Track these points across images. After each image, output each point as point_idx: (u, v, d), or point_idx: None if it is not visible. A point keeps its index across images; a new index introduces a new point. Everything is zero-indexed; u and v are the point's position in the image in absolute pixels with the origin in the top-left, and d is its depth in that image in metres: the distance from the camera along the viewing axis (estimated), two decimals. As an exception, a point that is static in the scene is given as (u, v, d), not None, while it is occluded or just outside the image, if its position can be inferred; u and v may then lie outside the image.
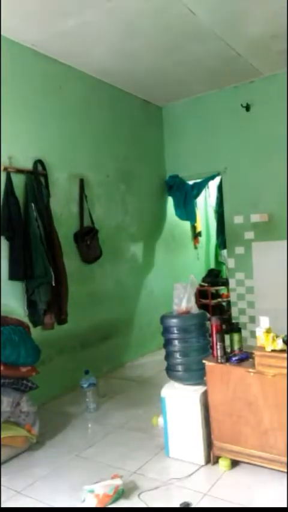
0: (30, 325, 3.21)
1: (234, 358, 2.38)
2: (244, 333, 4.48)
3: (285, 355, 2.19)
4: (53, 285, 3.43)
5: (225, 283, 5.61)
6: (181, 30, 3.48)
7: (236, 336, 2.50)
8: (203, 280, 6.07)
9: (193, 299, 2.66)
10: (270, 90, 4.49)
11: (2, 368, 2.63)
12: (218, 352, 2.38)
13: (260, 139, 4.59)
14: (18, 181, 3.40)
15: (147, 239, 5.03)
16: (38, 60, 3.68)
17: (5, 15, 3.08)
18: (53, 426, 3.09)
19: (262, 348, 2.28)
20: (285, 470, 2.21)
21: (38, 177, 3.54)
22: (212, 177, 5.11)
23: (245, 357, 2.39)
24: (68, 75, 3.98)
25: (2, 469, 2.55)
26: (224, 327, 2.52)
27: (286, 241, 4.39)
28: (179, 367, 2.62)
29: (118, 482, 2.20)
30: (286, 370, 2.17)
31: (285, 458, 2.20)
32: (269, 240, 4.59)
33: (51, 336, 3.57)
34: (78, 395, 3.45)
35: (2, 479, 2.45)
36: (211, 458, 2.45)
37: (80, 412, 3.33)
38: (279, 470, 2.25)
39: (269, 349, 2.24)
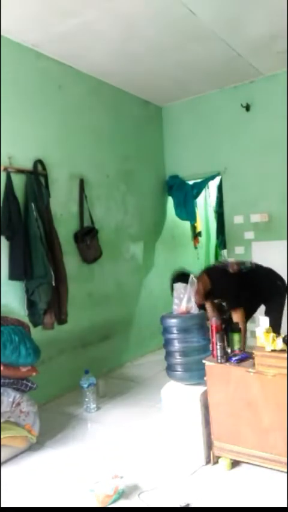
0: (30, 325, 3.20)
1: (234, 358, 2.38)
2: (244, 333, 4.47)
3: (285, 355, 2.19)
4: (53, 285, 3.43)
5: (225, 283, 5.59)
6: (181, 31, 3.48)
7: (236, 336, 2.50)
8: (203, 280, 6.05)
9: (193, 299, 2.66)
10: (270, 90, 4.49)
11: (2, 368, 2.63)
12: (218, 352, 2.38)
13: (260, 139, 4.59)
14: (18, 181, 3.40)
15: (147, 239, 5.03)
16: (38, 60, 3.68)
17: (5, 16, 3.08)
18: (53, 426, 3.09)
19: (262, 348, 2.28)
20: (285, 470, 2.21)
21: (38, 177, 3.54)
22: (212, 177, 5.11)
23: (245, 357, 2.39)
24: (68, 75, 3.98)
25: (2, 469, 2.55)
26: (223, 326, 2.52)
27: (286, 241, 4.39)
28: (179, 367, 2.62)
29: (118, 482, 2.20)
30: (286, 370, 2.17)
31: (285, 458, 2.20)
32: (269, 240, 4.59)
33: (51, 336, 3.57)
34: (78, 395, 3.45)
35: (2, 479, 2.45)
36: (211, 458, 2.45)
37: (80, 412, 3.33)
38: (279, 470, 2.25)
39: (268, 349, 2.24)
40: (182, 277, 3.07)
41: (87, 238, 4.01)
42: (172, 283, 3.03)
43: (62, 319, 3.60)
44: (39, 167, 3.59)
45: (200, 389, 2.51)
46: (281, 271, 4.39)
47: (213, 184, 5.82)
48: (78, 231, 3.99)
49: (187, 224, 5.77)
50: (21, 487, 2.38)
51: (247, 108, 4.63)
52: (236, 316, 3.06)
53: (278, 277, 3.44)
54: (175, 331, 2.61)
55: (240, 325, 2.94)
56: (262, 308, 3.43)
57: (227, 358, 2.40)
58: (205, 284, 3.12)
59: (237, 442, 2.35)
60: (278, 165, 4.43)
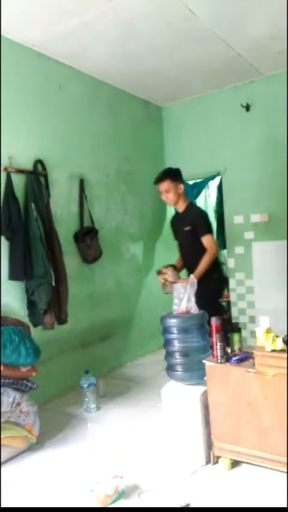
0: (30, 325, 3.21)
1: (234, 358, 2.37)
2: (244, 333, 4.48)
3: (285, 355, 2.19)
4: (53, 285, 3.43)
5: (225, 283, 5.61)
6: (181, 31, 3.48)
7: (236, 336, 2.49)
8: (203, 280, 6.05)
9: (193, 299, 2.66)
10: (270, 90, 4.49)
11: (2, 368, 2.63)
12: (218, 352, 2.38)
13: (260, 139, 4.59)
14: (18, 181, 3.40)
15: (147, 239, 5.03)
16: (38, 60, 3.68)
17: (5, 16, 3.08)
18: (53, 426, 3.09)
19: (262, 348, 2.28)
20: (285, 470, 2.21)
21: (38, 177, 3.54)
22: (212, 177, 5.11)
23: (245, 357, 2.39)
24: (68, 75, 3.98)
25: (2, 469, 2.55)
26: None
27: (286, 241, 4.39)
28: (179, 367, 2.62)
29: (118, 482, 2.20)
30: (286, 370, 2.17)
31: (285, 458, 2.20)
32: (269, 240, 4.59)
33: (51, 336, 3.57)
34: (78, 395, 3.45)
35: (2, 479, 2.45)
36: (211, 458, 2.45)
37: (80, 412, 3.33)
38: (279, 470, 2.25)
39: (268, 349, 2.24)
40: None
41: (87, 238, 4.01)
42: None
43: (62, 319, 3.60)
44: (39, 167, 3.59)
45: (200, 389, 2.51)
46: (281, 271, 4.42)
47: (213, 184, 5.82)
48: (78, 231, 3.99)
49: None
50: (21, 487, 2.38)
51: (247, 108, 4.62)
52: (207, 241, 3.29)
53: (219, 270, 3.56)
54: (175, 331, 2.61)
55: (210, 250, 3.28)
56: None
57: (227, 358, 2.40)
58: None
59: (237, 442, 2.35)
60: (278, 165, 4.44)
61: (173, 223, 3.68)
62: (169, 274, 3.34)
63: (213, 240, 3.35)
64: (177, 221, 3.56)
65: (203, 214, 3.49)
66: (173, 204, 3.49)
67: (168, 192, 3.37)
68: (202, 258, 3.28)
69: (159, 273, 3.40)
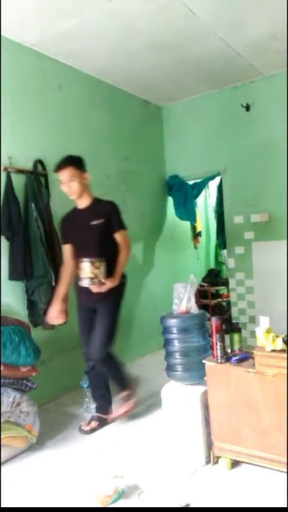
0: (30, 325, 3.21)
1: (234, 358, 2.37)
2: (244, 333, 4.48)
3: (285, 355, 2.19)
4: (53, 285, 3.42)
5: (225, 283, 5.62)
6: (181, 30, 3.48)
7: (236, 336, 2.49)
8: (203, 280, 6.07)
9: (193, 299, 2.66)
10: (270, 90, 4.49)
11: (2, 368, 2.63)
12: (218, 352, 2.38)
13: (260, 139, 4.59)
14: (18, 181, 3.40)
15: (147, 239, 5.03)
16: (38, 60, 3.68)
17: (4, 15, 3.08)
18: (53, 426, 3.09)
19: (262, 348, 2.28)
20: (285, 470, 2.21)
21: (38, 177, 3.54)
22: (212, 177, 5.11)
23: (245, 357, 2.39)
24: (68, 75, 3.98)
25: (2, 469, 2.55)
26: (224, 327, 2.52)
27: (286, 241, 4.39)
28: (179, 367, 2.62)
29: (118, 482, 2.20)
30: (286, 370, 2.17)
31: (285, 458, 2.20)
32: (269, 240, 4.59)
33: (51, 336, 3.57)
34: (78, 395, 3.45)
35: (2, 479, 2.45)
36: (211, 458, 2.45)
37: (80, 412, 3.33)
38: (279, 470, 2.25)
39: (268, 349, 2.24)
40: None
41: (87, 238, 4.00)
42: None
43: (62, 319, 3.59)
44: (39, 167, 3.59)
45: (200, 389, 2.51)
46: (281, 271, 4.42)
47: (213, 184, 5.82)
48: (78, 231, 3.98)
49: (187, 224, 5.77)
50: (21, 487, 2.38)
51: (247, 108, 4.63)
52: (122, 237, 2.95)
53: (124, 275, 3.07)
54: (175, 331, 2.61)
55: (126, 247, 2.98)
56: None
57: (227, 358, 2.40)
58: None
59: (237, 442, 2.35)
60: (278, 165, 4.44)
61: (67, 221, 3.12)
62: (101, 272, 2.80)
63: (128, 236, 2.98)
64: (78, 218, 3.03)
65: (118, 208, 3.03)
66: (76, 196, 2.98)
67: (72, 180, 2.91)
68: (119, 257, 2.94)
69: (80, 261, 2.82)
